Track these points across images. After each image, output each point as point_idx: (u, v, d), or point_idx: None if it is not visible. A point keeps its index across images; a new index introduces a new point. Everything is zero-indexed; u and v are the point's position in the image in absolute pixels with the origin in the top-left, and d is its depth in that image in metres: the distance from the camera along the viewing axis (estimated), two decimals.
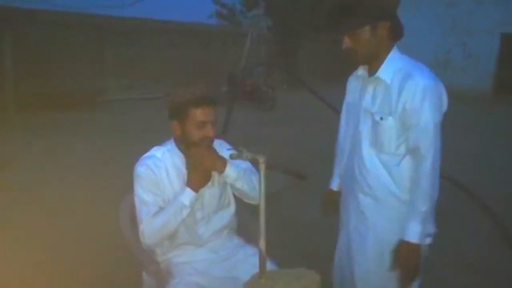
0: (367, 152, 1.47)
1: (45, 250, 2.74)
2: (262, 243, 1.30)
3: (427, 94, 1.34)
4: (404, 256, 1.41)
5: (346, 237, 1.62)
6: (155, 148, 1.64)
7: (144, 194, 1.54)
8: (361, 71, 1.54)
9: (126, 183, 1.90)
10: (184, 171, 1.58)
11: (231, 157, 1.43)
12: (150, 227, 1.52)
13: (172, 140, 1.63)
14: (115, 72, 9.63)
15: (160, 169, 1.56)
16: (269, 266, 1.40)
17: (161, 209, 1.55)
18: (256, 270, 1.39)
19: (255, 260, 1.49)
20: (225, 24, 17.09)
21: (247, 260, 1.64)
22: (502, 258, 2.84)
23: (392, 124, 1.40)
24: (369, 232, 1.50)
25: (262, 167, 1.29)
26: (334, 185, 1.77)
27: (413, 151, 1.40)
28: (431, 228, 1.45)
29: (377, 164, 1.46)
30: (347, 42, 1.41)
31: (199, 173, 1.53)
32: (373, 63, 1.44)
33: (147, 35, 10.23)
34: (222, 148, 1.62)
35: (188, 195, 1.52)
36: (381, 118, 1.41)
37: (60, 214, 3.32)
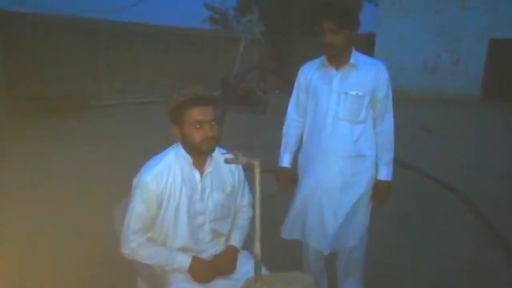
0: (338, 123, 1.88)
1: (37, 255, 2.71)
2: (257, 247, 1.31)
3: (387, 76, 1.90)
4: (382, 191, 1.97)
5: (311, 196, 1.95)
6: (162, 153, 1.60)
7: (141, 207, 1.52)
8: (322, 64, 1.93)
9: (120, 187, 1.90)
10: (191, 173, 1.57)
11: (226, 161, 1.44)
12: (134, 251, 1.54)
13: (179, 143, 1.59)
14: (108, 76, 9.56)
15: (168, 176, 1.53)
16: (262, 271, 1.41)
17: (153, 242, 1.57)
18: (250, 275, 1.40)
19: (249, 267, 1.50)
20: (218, 29, 17.12)
21: (242, 267, 1.65)
22: (491, 258, 2.87)
23: (364, 97, 1.86)
24: (344, 183, 1.90)
25: (257, 171, 1.31)
26: (287, 163, 2.09)
27: (379, 117, 1.92)
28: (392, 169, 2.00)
29: (347, 131, 1.88)
30: (330, 38, 1.80)
31: (207, 271, 1.56)
32: (342, 57, 1.87)
33: (140, 40, 10.19)
34: (218, 153, 1.61)
35: (184, 262, 1.55)
36: (356, 94, 1.86)
37: (53, 219, 3.29)
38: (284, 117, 2.13)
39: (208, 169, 1.60)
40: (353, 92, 1.86)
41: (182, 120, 1.51)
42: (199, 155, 1.56)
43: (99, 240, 2.59)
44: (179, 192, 1.55)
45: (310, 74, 1.97)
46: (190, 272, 1.56)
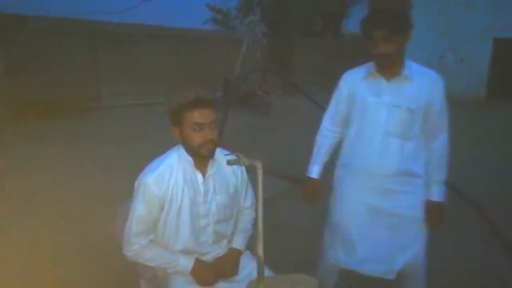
0: (388, 139, 1.73)
1: (40, 259, 2.70)
2: (260, 249, 1.29)
3: (443, 88, 1.76)
4: (435, 214, 1.83)
5: (349, 212, 1.84)
6: (164, 155, 1.59)
7: (143, 209, 1.51)
8: (369, 73, 1.77)
9: (121, 190, 1.89)
10: (193, 175, 1.56)
11: (229, 162, 1.42)
12: (137, 253, 1.54)
13: (180, 145, 1.59)
14: (109, 78, 9.58)
15: (170, 178, 1.52)
16: (265, 272, 1.39)
17: (156, 244, 1.57)
18: (253, 277, 1.39)
19: (252, 268, 1.49)
20: (220, 30, 17.15)
21: (245, 268, 1.65)
22: (494, 259, 2.85)
23: (418, 111, 1.71)
24: (393, 204, 1.78)
25: (259, 172, 1.29)
26: (317, 174, 1.96)
27: (433, 132, 1.77)
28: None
29: (397, 148, 1.73)
30: (383, 47, 1.64)
31: (210, 274, 1.56)
32: (394, 66, 1.71)
33: (141, 41, 10.21)
34: (220, 154, 1.60)
35: (186, 265, 1.55)
36: (410, 108, 1.70)
37: (55, 222, 3.28)
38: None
39: (211, 171, 1.59)
40: (406, 106, 1.70)
41: (182, 122, 1.50)
42: (200, 157, 1.55)
43: (102, 242, 2.58)
44: (181, 194, 1.54)
45: (356, 84, 1.80)
46: (193, 274, 1.55)
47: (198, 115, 1.47)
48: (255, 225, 1.34)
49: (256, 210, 1.34)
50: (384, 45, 1.63)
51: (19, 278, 2.45)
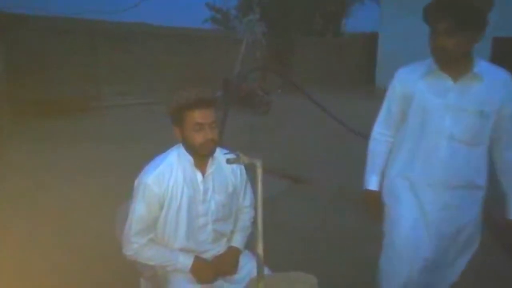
0: (454, 146, 1.56)
1: (40, 258, 2.71)
2: (259, 248, 1.29)
3: None
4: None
5: (413, 227, 1.65)
6: (164, 154, 1.60)
7: (143, 208, 1.52)
8: (430, 71, 1.58)
9: (122, 190, 1.89)
10: (193, 174, 1.56)
11: (228, 161, 1.43)
12: (136, 252, 1.55)
13: (181, 144, 1.59)
14: (109, 78, 9.58)
15: (170, 177, 1.53)
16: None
17: (155, 243, 1.57)
18: (252, 276, 1.39)
19: (251, 267, 1.49)
20: (219, 29, 17.15)
21: (244, 267, 1.65)
22: (495, 260, 2.84)
23: (490, 115, 1.53)
24: (456, 219, 1.64)
25: (259, 171, 1.29)
26: (375, 185, 1.78)
27: (506, 139, 1.59)
28: None
29: (463, 156, 1.57)
30: (443, 41, 1.46)
31: (209, 272, 1.57)
32: (461, 64, 1.51)
33: (141, 40, 10.21)
34: (219, 153, 1.61)
35: (186, 263, 1.56)
36: (480, 110, 1.52)
37: (56, 221, 3.29)
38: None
39: (210, 170, 1.60)
40: (476, 108, 1.52)
41: (183, 122, 1.50)
42: (200, 156, 1.55)
43: (102, 242, 2.58)
44: (180, 193, 1.54)
45: (412, 82, 1.61)
46: (192, 272, 1.56)
47: (198, 115, 1.47)
48: (254, 224, 1.34)
49: (255, 209, 1.35)
50: (445, 39, 1.45)
51: (19, 278, 2.46)
